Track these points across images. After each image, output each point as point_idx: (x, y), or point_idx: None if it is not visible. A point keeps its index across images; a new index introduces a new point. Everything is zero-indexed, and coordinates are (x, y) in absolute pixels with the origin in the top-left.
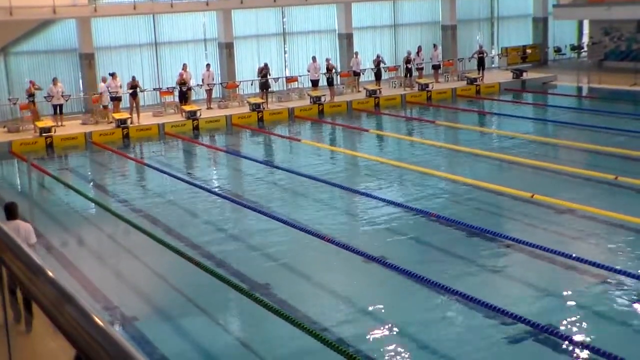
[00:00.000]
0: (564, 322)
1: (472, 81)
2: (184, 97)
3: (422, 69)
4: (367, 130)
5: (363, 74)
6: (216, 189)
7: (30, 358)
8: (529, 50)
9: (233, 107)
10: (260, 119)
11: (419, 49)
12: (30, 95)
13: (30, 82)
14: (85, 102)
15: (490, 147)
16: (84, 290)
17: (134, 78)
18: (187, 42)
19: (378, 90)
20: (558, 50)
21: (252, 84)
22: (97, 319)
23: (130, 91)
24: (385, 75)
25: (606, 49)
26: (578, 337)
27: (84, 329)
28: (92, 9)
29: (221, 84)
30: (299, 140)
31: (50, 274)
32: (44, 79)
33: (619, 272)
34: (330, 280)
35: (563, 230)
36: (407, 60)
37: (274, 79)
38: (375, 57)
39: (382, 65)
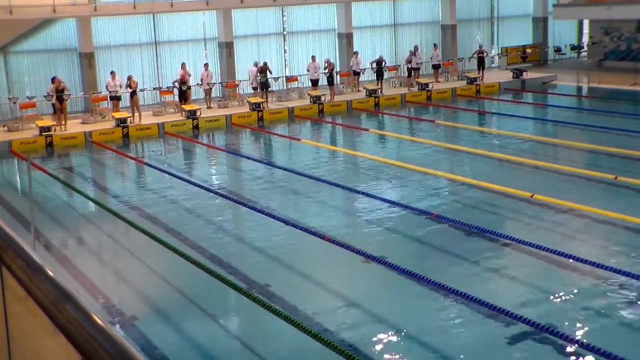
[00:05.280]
0: (564, 322)
1: (472, 81)
2: (184, 96)
3: (418, 69)
4: (367, 130)
5: (363, 73)
6: (216, 189)
7: (30, 358)
8: (529, 50)
9: (233, 107)
10: (260, 119)
11: (416, 48)
12: (59, 91)
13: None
14: (85, 101)
15: (490, 147)
16: (83, 289)
17: (129, 77)
18: (187, 42)
19: (378, 90)
20: (558, 50)
21: (252, 84)
22: (97, 319)
23: (130, 91)
24: (385, 75)
25: (606, 48)
26: (578, 337)
27: (84, 329)
28: (92, 8)
29: (221, 83)
30: (299, 140)
31: (50, 273)
32: (43, 78)
33: (619, 272)
34: (330, 280)
35: (563, 230)
36: (409, 60)
37: (273, 78)
38: (378, 57)
39: (384, 64)
